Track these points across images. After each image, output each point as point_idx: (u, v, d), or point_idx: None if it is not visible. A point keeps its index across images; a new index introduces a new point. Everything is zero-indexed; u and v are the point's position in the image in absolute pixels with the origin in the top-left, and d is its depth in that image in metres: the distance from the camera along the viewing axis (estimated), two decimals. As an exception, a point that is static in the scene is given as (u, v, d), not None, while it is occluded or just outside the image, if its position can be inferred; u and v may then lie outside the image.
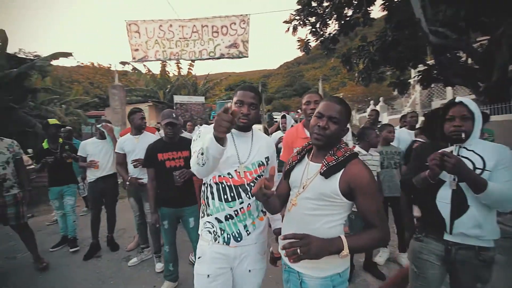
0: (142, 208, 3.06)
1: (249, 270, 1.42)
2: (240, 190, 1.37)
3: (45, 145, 3.44)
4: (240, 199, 1.37)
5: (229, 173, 1.37)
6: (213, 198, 1.40)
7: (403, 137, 3.51)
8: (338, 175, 1.08)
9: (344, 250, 0.99)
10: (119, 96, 8.36)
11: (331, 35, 9.52)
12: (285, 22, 9.71)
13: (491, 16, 6.31)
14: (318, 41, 10.24)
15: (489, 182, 1.22)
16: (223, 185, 1.37)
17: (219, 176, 1.37)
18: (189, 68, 15.16)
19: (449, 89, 12.88)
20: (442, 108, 1.47)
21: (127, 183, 2.89)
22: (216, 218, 1.39)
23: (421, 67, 8.94)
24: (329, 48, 9.88)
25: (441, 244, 1.41)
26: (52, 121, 3.56)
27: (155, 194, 2.40)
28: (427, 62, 8.98)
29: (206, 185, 1.44)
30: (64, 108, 13.92)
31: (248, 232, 1.40)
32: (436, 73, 8.13)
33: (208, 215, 1.42)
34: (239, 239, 1.38)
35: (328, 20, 9.13)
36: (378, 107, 15.41)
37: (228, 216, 1.38)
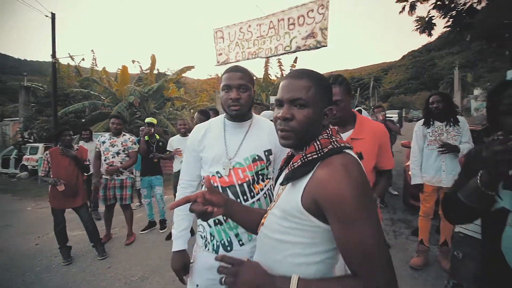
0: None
1: None
2: (229, 192, 1.17)
3: (146, 138, 4.04)
4: None
5: (217, 172, 1.20)
6: None
7: None
8: (303, 182, 0.71)
9: None
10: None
11: (467, 5, 7.26)
12: (398, 1, 8.13)
13: None
14: (447, 16, 8.04)
15: None
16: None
17: (208, 175, 1.21)
18: (290, 69, 15.34)
19: None
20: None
21: None
22: (206, 222, 1.23)
23: None
24: (463, 24, 7.60)
25: None
26: (148, 119, 4.25)
27: None
28: None
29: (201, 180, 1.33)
30: (192, 112, 17.19)
31: (241, 243, 1.19)
32: None
33: None
34: (229, 248, 1.19)
35: (462, -15, 7.03)
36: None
37: (217, 221, 1.20)
